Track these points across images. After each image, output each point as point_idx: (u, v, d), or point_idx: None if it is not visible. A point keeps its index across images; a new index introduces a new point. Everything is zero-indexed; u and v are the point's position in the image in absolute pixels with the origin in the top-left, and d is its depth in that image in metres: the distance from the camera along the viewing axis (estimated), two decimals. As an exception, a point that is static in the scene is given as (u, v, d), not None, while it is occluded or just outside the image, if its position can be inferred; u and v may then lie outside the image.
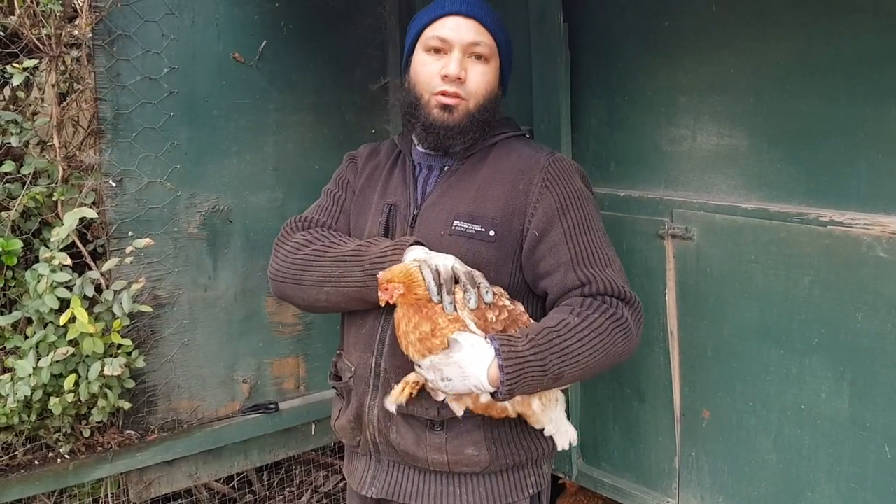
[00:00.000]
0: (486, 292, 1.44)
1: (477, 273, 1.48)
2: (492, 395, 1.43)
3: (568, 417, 1.65)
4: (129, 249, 2.17)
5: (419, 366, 1.45)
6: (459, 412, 1.51)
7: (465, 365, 1.39)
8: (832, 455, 1.75)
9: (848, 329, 1.69)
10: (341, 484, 3.10)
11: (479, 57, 1.61)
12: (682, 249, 2.00)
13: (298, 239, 1.65)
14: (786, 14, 1.78)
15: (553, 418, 1.57)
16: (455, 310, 1.42)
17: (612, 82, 2.20)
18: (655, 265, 2.07)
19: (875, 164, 1.66)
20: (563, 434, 1.62)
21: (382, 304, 1.46)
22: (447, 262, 1.47)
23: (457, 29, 1.59)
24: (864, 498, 1.70)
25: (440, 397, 1.50)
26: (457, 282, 1.45)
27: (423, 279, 1.43)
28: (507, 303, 1.48)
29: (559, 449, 1.65)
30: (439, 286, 1.43)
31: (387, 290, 1.44)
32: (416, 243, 1.55)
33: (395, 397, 1.54)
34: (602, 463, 2.32)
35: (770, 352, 1.84)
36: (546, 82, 2.26)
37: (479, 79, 1.61)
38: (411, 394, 1.53)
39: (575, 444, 1.65)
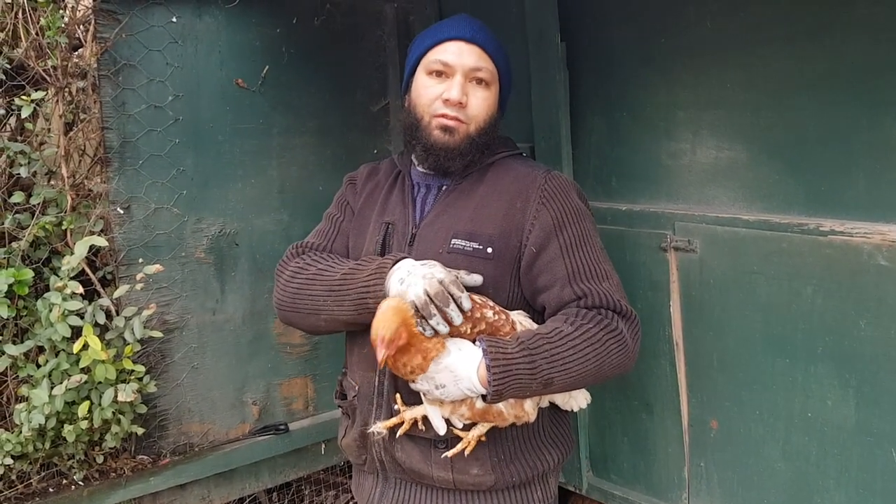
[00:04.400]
0: (462, 300, 1.43)
1: (449, 281, 1.44)
2: (483, 397, 1.45)
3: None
4: (139, 276, 2.19)
5: (414, 381, 1.46)
6: (442, 430, 1.52)
7: (455, 368, 1.42)
8: (840, 462, 1.77)
9: (852, 337, 1.71)
10: (352, 503, 3.10)
11: (480, 82, 1.63)
12: (686, 262, 2.03)
13: (293, 267, 1.68)
14: (780, 29, 1.82)
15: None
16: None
17: (611, 99, 2.23)
18: (659, 278, 2.09)
19: (872, 173, 1.69)
20: (577, 399, 1.64)
21: (382, 364, 1.37)
22: (419, 291, 1.42)
23: (459, 54, 1.61)
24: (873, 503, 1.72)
25: (442, 429, 1.51)
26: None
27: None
28: (490, 314, 1.48)
29: (576, 410, 1.66)
30: (423, 318, 1.41)
31: (390, 345, 1.35)
32: (402, 259, 1.52)
33: (384, 425, 1.59)
34: (612, 475, 2.33)
35: (775, 361, 1.86)
36: (546, 100, 2.29)
37: (480, 104, 1.64)
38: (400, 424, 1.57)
39: (590, 401, 1.67)
